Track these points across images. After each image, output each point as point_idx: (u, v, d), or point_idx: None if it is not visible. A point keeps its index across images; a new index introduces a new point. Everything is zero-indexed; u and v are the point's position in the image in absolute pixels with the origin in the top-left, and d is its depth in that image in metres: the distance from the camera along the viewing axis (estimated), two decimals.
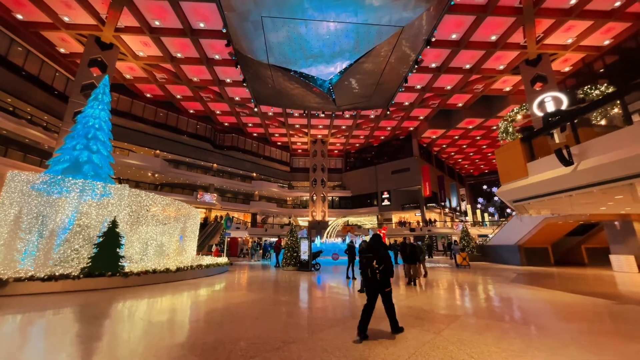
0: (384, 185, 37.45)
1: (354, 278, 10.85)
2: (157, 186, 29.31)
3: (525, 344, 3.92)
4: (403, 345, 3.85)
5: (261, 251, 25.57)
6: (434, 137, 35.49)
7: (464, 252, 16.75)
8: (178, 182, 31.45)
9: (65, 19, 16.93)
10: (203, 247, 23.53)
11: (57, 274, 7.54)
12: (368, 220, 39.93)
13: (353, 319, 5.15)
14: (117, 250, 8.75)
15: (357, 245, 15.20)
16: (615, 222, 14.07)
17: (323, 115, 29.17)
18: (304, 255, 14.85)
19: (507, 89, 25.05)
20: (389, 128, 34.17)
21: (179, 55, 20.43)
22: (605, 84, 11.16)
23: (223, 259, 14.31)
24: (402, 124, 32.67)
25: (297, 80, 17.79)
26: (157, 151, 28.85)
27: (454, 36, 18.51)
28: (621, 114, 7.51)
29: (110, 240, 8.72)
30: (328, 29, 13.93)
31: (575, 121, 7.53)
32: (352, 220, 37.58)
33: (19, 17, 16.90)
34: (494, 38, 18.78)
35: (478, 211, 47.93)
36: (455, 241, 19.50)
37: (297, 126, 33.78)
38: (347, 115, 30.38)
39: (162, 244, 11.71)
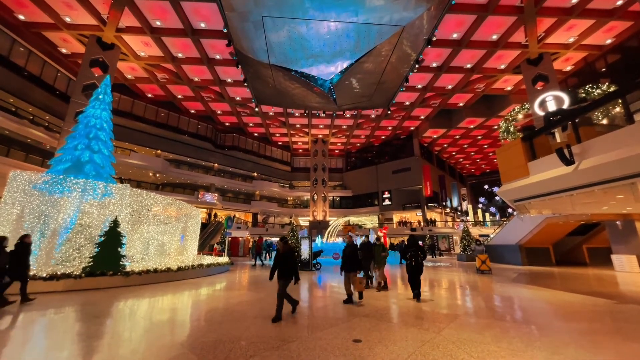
0: (385, 185, 37.42)
1: None
2: (158, 186, 29.41)
3: (524, 343, 3.92)
4: (403, 344, 3.85)
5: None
6: (435, 136, 35.42)
7: (484, 254, 13.42)
8: (179, 182, 31.53)
9: (67, 19, 16.99)
10: (204, 247, 23.58)
11: (59, 273, 7.59)
12: (369, 220, 39.89)
13: (353, 318, 5.16)
14: (119, 249, 8.80)
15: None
16: (617, 222, 14.01)
17: (324, 115, 29.16)
18: (304, 255, 14.87)
19: (509, 88, 24.97)
20: (389, 128, 34.14)
21: (180, 55, 20.47)
22: (607, 83, 11.10)
23: (224, 259, 14.34)
24: (403, 123, 32.62)
25: (298, 80, 17.79)
26: (159, 151, 28.94)
27: (455, 35, 18.46)
28: (623, 113, 7.48)
29: (112, 239, 8.76)
30: (329, 29, 13.92)
31: (577, 120, 7.50)
32: (353, 220, 37.56)
33: (21, 17, 16.97)
34: (495, 37, 18.72)
35: (479, 211, 47.82)
36: (478, 241, 14.29)
37: (298, 126, 33.79)
38: (348, 115, 30.36)
39: (163, 243, 11.75)
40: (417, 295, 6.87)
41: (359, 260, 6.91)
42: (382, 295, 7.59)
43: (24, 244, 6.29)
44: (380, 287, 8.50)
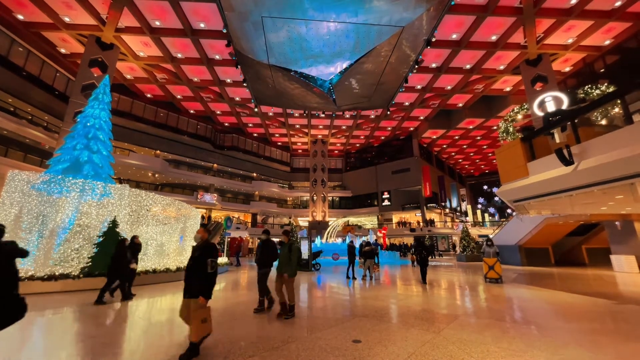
0: (385, 186, 37.44)
1: (354, 278, 10.84)
2: (157, 186, 29.32)
3: (524, 343, 3.91)
4: (402, 344, 3.84)
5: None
6: (435, 137, 35.47)
7: (493, 257, 10.36)
8: (178, 182, 31.47)
9: (66, 19, 16.96)
10: None
11: (57, 273, 7.56)
12: (368, 221, 39.90)
13: (352, 319, 5.15)
14: None
15: (357, 246, 15.23)
16: (616, 222, 14.03)
17: (323, 115, 29.18)
18: (304, 255, 14.83)
19: (508, 89, 25.03)
20: (389, 128, 34.16)
21: (179, 55, 20.45)
22: (606, 84, 11.12)
23: (223, 259, 14.31)
24: (403, 124, 32.66)
25: (298, 81, 17.77)
26: (158, 151, 28.88)
27: (454, 36, 18.50)
28: (622, 113, 7.49)
29: (111, 240, 8.72)
30: (328, 29, 13.92)
31: (576, 121, 7.51)
32: (353, 220, 37.55)
33: (20, 17, 16.94)
34: (494, 38, 18.77)
35: (478, 211, 47.89)
36: (489, 240, 11.31)
37: (298, 126, 33.79)
38: (347, 116, 30.38)
39: (162, 243, 11.70)
40: (424, 280, 9.59)
41: (211, 276, 3.43)
42: (382, 296, 7.56)
43: (134, 243, 7.21)
44: (282, 312, 5.20)
